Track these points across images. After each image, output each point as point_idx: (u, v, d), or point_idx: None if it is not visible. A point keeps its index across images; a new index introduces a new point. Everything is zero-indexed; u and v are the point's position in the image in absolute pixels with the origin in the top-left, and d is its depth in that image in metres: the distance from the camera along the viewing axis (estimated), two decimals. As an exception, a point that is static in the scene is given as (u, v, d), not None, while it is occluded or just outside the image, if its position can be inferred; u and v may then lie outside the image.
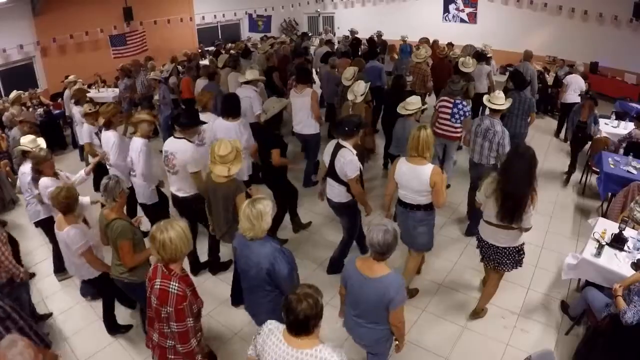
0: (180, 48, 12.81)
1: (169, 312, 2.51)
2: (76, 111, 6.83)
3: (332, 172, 4.19)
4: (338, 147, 4.09)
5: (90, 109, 5.78)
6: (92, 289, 4.38)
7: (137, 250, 3.42)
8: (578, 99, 7.82)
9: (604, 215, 5.24)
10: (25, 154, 4.74)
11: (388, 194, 4.11)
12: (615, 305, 3.20)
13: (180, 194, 4.55)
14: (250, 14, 15.67)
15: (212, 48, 14.10)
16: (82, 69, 9.71)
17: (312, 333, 2.12)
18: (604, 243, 4.02)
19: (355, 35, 12.31)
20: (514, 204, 3.32)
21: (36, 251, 5.51)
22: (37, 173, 4.32)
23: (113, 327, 4.13)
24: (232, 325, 4.18)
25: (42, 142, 4.93)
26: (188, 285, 2.63)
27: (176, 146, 4.36)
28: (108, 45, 12.18)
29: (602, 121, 7.52)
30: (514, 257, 3.65)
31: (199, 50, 13.47)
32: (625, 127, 7.17)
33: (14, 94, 7.77)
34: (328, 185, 4.37)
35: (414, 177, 3.71)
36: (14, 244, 4.74)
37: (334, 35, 15.15)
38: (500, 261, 3.67)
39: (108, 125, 5.19)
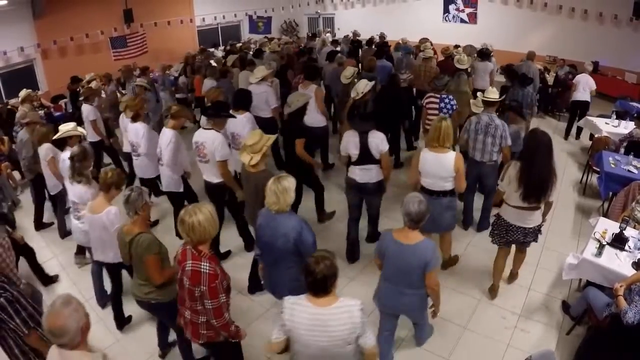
0: (180, 50, 12.83)
1: (203, 290, 2.64)
2: (85, 109, 6.85)
3: (366, 157, 4.46)
4: (363, 133, 4.40)
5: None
6: (106, 296, 4.47)
7: (164, 265, 3.22)
8: (588, 97, 8.09)
9: (605, 214, 5.24)
10: (65, 142, 4.88)
11: (412, 183, 4.41)
12: (616, 305, 3.19)
13: (213, 180, 4.81)
14: (250, 16, 15.69)
15: (212, 49, 14.12)
16: (83, 71, 9.69)
17: (330, 292, 2.37)
18: (604, 243, 4.01)
19: (357, 37, 12.51)
20: (539, 185, 3.61)
21: (42, 251, 5.43)
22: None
23: (122, 320, 4.20)
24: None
25: (81, 129, 5.15)
26: (216, 264, 2.74)
27: (205, 136, 4.62)
28: (108, 47, 12.19)
29: (602, 120, 7.55)
30: (536, 234, 3.98)
31: (188, 55, 13.40)
32: (626, 127, 7.15)
33: (24, 92, 7.78)
34: (362, 173, 4.56)
35: (440, 164, 4.04)
36: (29, 252, 4.81)
37: (334, 35, 15.18)
38: (524, 240, 3.98)
39: (136, 118, 5.44)
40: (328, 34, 15.01)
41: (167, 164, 4.94)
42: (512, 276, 4.58)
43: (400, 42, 11.45)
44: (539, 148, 3.61)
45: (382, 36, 12.37)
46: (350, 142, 4.48)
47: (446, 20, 14.71)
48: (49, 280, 4.89)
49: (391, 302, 3.31)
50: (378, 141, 4.39)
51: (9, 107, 8.76)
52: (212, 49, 14.07)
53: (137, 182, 5.82)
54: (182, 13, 14.40)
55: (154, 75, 9.82)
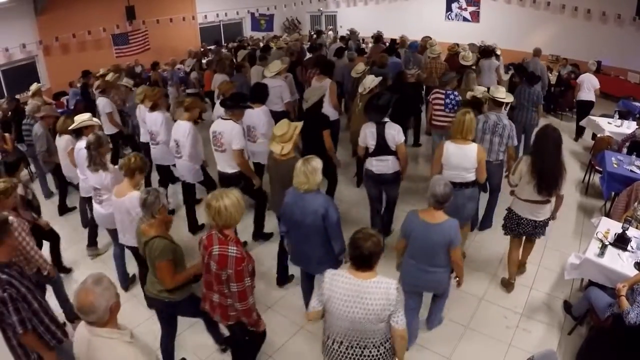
0: (182, 47, 12.85)
1: (229, 274, 2.72)
2: (101, 102, 7.00)
3: (383, 148, 4.62)
4: (380, 125, 4.57)
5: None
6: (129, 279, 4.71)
7: (178, 269, 3.17)
8: (593, 97, 8.10)
9: (607, 214, 5.23)
10: (81, 132, 4.96)
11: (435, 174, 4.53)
12: (618, 305, 3.19)
13: (227, 171, 4.93)
14: (252, 13, 15.67)
15: (213, 47, 14.13)
16: (85, 68, 9.71)
17: (372, 268, 2.50)
18: (607, 243, 4.00)
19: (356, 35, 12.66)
20: (550, 178, 3.78)
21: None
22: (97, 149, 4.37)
23: None
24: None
25: (96, 120, 5.27)
26: (242, 247, 2.82)
27: (223, 126, 4.74)
28: (111, 44, 12.21)
29: (605, 120, 7.53)
30: (545, 227, 4.13)
31: (202, 49, 13.46)
32: (629, 126, 7.11)
33: (34, 86, 7.88)
34: (379, 164, 4.71)
35: (463, 155, 4.18)
36: (55, 238, 4.94)
37: (336, 33, 15.17)
38: (534, 232, 4.13)
39: (154, 107, 5.62)
40: (330, 32, 15.04)
41: (187, 155, 5.09)
42: (521, 266, 4.64)
43: (400, 39, 11.42)
44: (549, 143, 3.78)
45: (379, 34, 12.35)
46: (367, 134, 4.64)
47: (449, 19, 14.68)
48: (64, 270, 4.99)
49: (416, 280, 3.46)
50: (394, 132, 4.54)
51: (21, 102, 8.75)
52: (213, 46, 14.10)
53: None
54: (184, 10, 14.39)
55: (164, 73, 9.88)
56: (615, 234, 4.07)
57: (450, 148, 4.22)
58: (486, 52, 8.66)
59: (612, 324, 3.29)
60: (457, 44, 10.83)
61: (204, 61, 10.86)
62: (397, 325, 2.48)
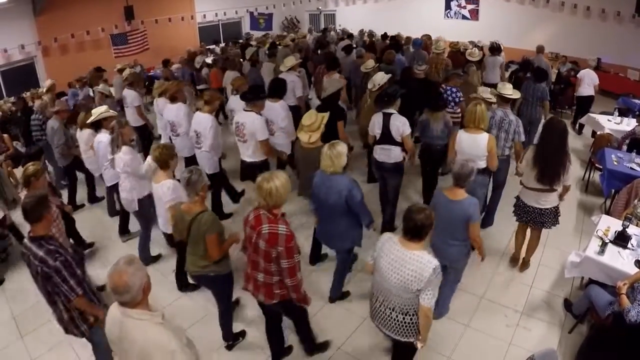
0: (181, 47, 12.82)
1: (279, 251, 2.87)
2: (128, 94, 7.24)
3: (387, 138, 4.84)
4: (386, 115, 4.80)
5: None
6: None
7: (222, 241, 3.43)
8: (592, 92, 8.26)
9: (607, 212, 5.22)
10: (100, 125, 5.17)
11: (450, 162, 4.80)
12: (618, 303, 3.19)
13: (249, 160, 5.25)
14: (251, 12, 15.66)
15: (212, 46, 14.16)
16: (84, 69, 9.71)
17: (421, 240, 2.71)
18: (607, 240, 4.00)
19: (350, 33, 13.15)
20: (551, 167, 3.97)
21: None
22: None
23: (183, 284, 4.59)
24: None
25: (113, 111, 5.43)
26: (289, 226, 2.99)
27: (245, 118, 5.01)
28: (109, 44, 12.20)
29: (605, 117, 7.52)
30: (553, 216, 4.29)
31: (201, 49, 13.45)
32: (628, 124, 7.12)
33: (49, 82, 8.05)
34: (381, 152, 4.96)
35: (475, 143, 4.45)
36: (70, 220, 5.14)
37: (338, 33, 15.14)
38: (542, 220, 4.30)
39: (174, 99, 5.81)
40: (332, 32, 14.96)
41: (209, 147, 5.31)
42: (524, 264, 4.73)
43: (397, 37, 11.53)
44: (553, 134, 3.99)
45: (370, 34, 12.48)
46: (375, 123, 4.91)
47: (448, 17, 14.64)
48: (87, 246, 5.35)
49: (438, 253, 3.52)
50: (399, 124, 4.75)
51: (33, 98, 8.83)
52: (212, 46, 14.12)
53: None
54: (182, 10, 14.37)
55: (177, 71, 9.91)
56: (616, 232, 4.07)
57: (463, 137, 4.52)
58: (494, 48, 8.87)
59: (613, 322, 3.29)
60: (457, 42, 10.89)
61: (208, 60, 10.96)
62: (424, 302, 2.66)
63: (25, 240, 3.09)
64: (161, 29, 13.60)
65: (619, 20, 10.92)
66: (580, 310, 3.89)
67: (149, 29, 13.07)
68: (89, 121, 5.27)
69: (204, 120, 5.25)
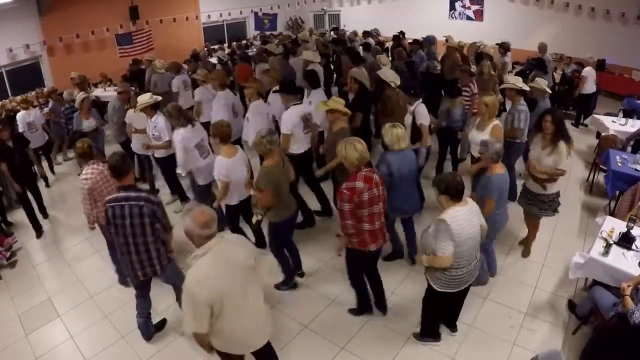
0: (186, 47, 12.86)
1: (380, 192, 3.58)
2: (177, 81, 8.25)
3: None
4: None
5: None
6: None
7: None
8: (595, 89, 8.63)
9: (612, 213, 5.21)
10: (156, 106, 5.65)
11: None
12: (622, 305, 3.18)
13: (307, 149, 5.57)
14: (256, 12, 15.68)
15: (216, 46, 14.19)
16: (89, 68, 9.76)
17: (462, 199, 3.23)
18: (611, 242, 3.99)
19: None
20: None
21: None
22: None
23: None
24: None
25: (156, 97, 5.80)
26: None
27: (309, 108, 5.50)
28: (114, 44, 12.24)
29: (609, 119, 7.50)
30: (552, 203, 4.56)
31: (206, 49, 13.51)
32: (633, 125, 7.08)
33: (76, 74, 8.69)
34: None
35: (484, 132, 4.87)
36: None
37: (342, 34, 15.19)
38: (541, 207, 4.55)
39: (223, 87, 6.35)
40: (332, 32, 15.05)
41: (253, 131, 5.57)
42: (526, 251, 4.98)
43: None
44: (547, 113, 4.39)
45: (376, 33, 12.75)
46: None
47: (452, 17, 14.61)
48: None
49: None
50: (419, 113, 5.33)
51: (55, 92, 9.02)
52: (216, 46, 14.16)
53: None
54: (187, 10, 14.42)
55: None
56: (620, 233, 4.06)
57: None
58: (504, 47, 9.03)
59: (617, 324, 3.27)
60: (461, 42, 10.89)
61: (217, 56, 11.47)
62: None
63: (118, 194, 3.49)
64: (166, 29, 13.64)
65: (624, 21, 10.89)
66: (584, 312, 3.88)
67: (153, 29, 13.10)
68: (135, 109, 5.79)
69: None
